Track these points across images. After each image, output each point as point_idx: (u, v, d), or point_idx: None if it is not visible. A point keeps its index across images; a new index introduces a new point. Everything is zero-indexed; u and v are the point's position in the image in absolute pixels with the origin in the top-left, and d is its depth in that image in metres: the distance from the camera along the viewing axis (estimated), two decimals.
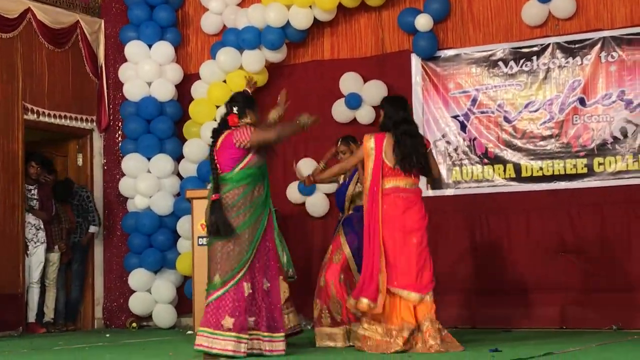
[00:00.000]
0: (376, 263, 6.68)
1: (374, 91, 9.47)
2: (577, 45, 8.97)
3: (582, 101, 8.92)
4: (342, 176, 7.79)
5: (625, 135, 8.73)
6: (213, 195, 6.46)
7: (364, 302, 6.66)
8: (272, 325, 6.46)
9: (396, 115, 6.90)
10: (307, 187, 9.01)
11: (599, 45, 8.87)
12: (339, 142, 7.73)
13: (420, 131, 9.17)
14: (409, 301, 6.67)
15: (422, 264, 6.75)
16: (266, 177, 6.64)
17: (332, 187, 9.45)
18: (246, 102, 6.67)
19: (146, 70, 10.25)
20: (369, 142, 6.87)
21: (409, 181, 6.84)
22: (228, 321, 6.26)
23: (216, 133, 6.64)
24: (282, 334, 6.51)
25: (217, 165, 6.51)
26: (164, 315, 10.05)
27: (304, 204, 9.76)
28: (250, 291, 6.38)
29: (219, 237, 6.38)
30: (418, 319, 6.66)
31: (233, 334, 6.26)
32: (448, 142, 9.42)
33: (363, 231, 6.86)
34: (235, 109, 6.61)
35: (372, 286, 6.67)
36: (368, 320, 6.77)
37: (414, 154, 6.80)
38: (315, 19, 9.78)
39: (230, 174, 6.45)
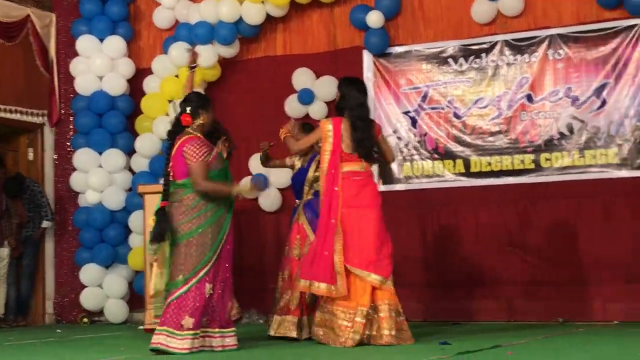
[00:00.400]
0: (329, 243, 6.66)
1: (327, 87, 9.47)
2: (525, 43, 9.03)
3: (529, 98, 8.99)
4: (300, 161, 7.80)
5: (571, 132, 8.82)
6: (162, 202, 6.41)
7: (322, 286, 6.63)
8: (223, 321, 6.43)
9: (352, 98, 6.90)
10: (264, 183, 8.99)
11: (546, 43, 8.94)
12: (295, 125, 7.65)
13: None
14: (366, 282, 6.66)
15: (382, 242, 6.77)
16: (228, 179, 6.60)
17: (285, 181, 9.47)
18: (200, 102, 6.59)
19: (98, 64, 10.16)
20: (327, 125, 6.87)
21: (363, 165, 6.88)
22: (188, 321, 6.24)
23: (172, 135, 6.55)
24: (233, 329, 6.48)
25: (171, 171, 6.45)
26: (116, 310, 9.98)
27: (256, 199, 9.70)
28: (211, 292, 6.36)
29: (158, 243, 6.34)
30: (376, 302, 6.67)
31: (191, 332, 6.23)
32: (399, 138, 9.44)
33: None
34: (188, 109, 6.54)
35: (326, 269, 6.64)
36: (324, 307, 6.75)
37: (367, 140, 6.82)
38: (267, 14, 9.76)
39: (187, 180, 6.41)
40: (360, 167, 6.87)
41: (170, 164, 6.46)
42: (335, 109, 7.04)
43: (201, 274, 6.31)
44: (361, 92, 6.99)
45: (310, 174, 7.60)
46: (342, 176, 6.82)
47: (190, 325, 6.23)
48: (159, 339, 6.25)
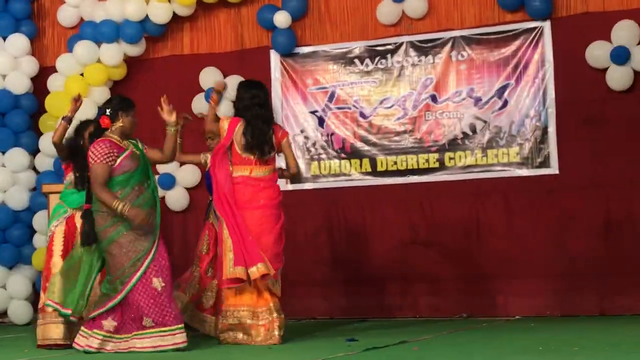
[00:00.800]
0: (246, 230, 6.63)
1: (234, 86, 9.29)
2: (429, 45, 9.09)
3: (434, 98, 9.05)
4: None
5: (474, 131, 8.92)
6: (85, 205, 6.37)
7: (261, 266, 6.57)
8: (165, 320, 6.33)
9: (247, 98, 6.86)
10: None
11: (449, 45, 9.01)
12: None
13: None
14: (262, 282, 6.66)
15: (279, 244, 6.77)
16: (150, 177, 6.49)
17: (193, 180, 9.38)
18: (121, 105, 6.48)
19: (0, 62, 9.90)
20: (224, 122, 6.84)
21: (261, 170, 6.80)
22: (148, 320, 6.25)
23: (92, 138, 6.47)
24: (179, 325, 6.37)
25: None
26: (20, 311, 9.73)
27: (163, 198, 9.57)
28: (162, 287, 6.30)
29: (88, 246, 6.36)
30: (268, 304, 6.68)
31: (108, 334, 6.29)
32: (306, 137, 9.42)
33: None
34: (108, 111, 6.44)
35: (255, 250, 6.60)
36: (231, 308, 6.68)
37: (262, 137, 6.77)
38: (174, 13, 9.64)
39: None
40: (260, 172, 6.80)
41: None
42: (235, 111, 6.97)
43: (139, 272, 6.24)
44: (259, 92, 6.94)
45: None
46: (235, 180, 6.76)
47: (111, 328, 6.27)
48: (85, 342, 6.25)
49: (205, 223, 7.66)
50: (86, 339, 6.34)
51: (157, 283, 6.28)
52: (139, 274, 6.25)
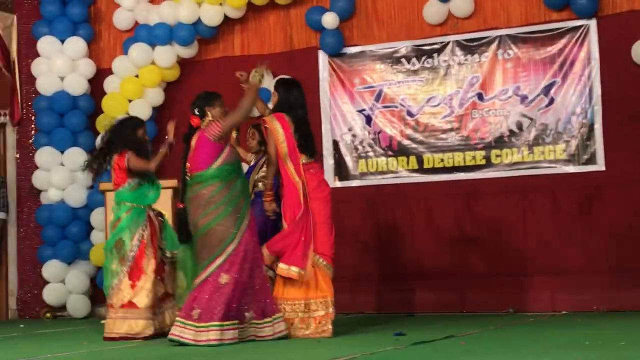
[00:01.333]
0: (308, 230, 6.66)
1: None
2: (475, 43, 9.05)
3: (480, 96, 9.01)
4: (253, 158, 7.86)
5: (520, 129, 8.86)
6: (180, 204, 6.51)
7: (294, 270, 6.60)
8: (265, 311, 6.44)
9: (296, 97, 6.92)
10: None
11: (495, 43, 8.96)
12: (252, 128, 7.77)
13: (328, 125, 9.46)
14: (324, 272, 6.69)
15: (333, 236, 6.83)
16: (240, 175, 6.64)
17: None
18: (204, 100, 6.61)
19: (59, 65, 10.03)
20: (275, 123, 6.80)
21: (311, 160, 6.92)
22: (196, 312, 6.30)
23: (187, 138, 6.58)
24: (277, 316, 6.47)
25: (188, 168, 6.47)
26: (78, 305, 9.86)
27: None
28: (228, 282, 6.33)
29: (183, 243, 6.59)
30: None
31: (215, 323, 6.23)
32: (354, 136, 9.42)
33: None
34: (195, 111, 6.57)
35: (301, 254, 6.63)
36: (285, 302, 6.70)
37: (311, 140, 6.88)
38: (225, 15, 9.70)
39: (206, 172, 6.43)
40: (307, 159, 6.86)
41: (188, 162, 6.48)
42: (275, 109, 6.92)
43: (216, 263, 6.33)
44: (301, 93, 6.98)
45: (253, 175, 7.60)
46: (304, 167, 6.81)
47: (196, 317, 6.25)
48: (176, 331, 6.31)
49: None
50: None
51: (225, 278, 6.34)
52: (212, 267, 6.35)
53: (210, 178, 6.43)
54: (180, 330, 6.28)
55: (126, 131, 7.30)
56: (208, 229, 6.39)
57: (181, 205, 6.52)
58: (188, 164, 6.53)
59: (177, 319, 6.39)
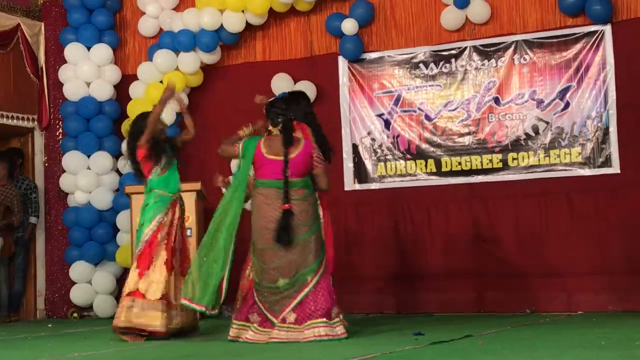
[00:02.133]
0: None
1: (304, 91, 9.37)
2: (492, 49, 9.04)
3: (497, 100, 8.99)
4: None
5: (536, 132, 8.83)
6: (285, 205, 6.33)
7: None
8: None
9: (306, 106, 6.97)
10: None
11: (512, 49, 8.94)
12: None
13: (347, 129, 9.45)
14: None
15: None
16: None
17: None
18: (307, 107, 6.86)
19: (85, 71, 10.08)
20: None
21: None
22: (335, 310, 6.35)
23: (289, 142, 6.43)
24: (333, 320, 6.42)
25: (289, 172, 6.37)
26: (105, 305, 9.89)
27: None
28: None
29: (281, 244, 6.34)
30: None
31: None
32: (373, 139, 9.42)
33: None
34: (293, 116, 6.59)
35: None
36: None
37: (326, 145, 6.91)
38: (247, 22, 9.72)
39: (308, 178, 6.48)
40: None
41: (289, 166, 6.37)
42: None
43: (324, 266, 6.40)
44: (309, 102, 7.08)
45: None
46: None
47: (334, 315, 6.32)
48: (319, 332, 6.24)
49: None
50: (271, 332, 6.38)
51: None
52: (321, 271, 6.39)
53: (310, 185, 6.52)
54: (328, 330, 6.26)
55: (139, 123, 7.30)
56: (313, 233, 6.40)
57: (287, 207, 6.36)
58: (290, 167, 6.40)
59: (315, 321, 6.28)
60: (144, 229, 7.04)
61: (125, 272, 9.71)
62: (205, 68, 10.00)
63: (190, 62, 9.78)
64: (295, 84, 9.58)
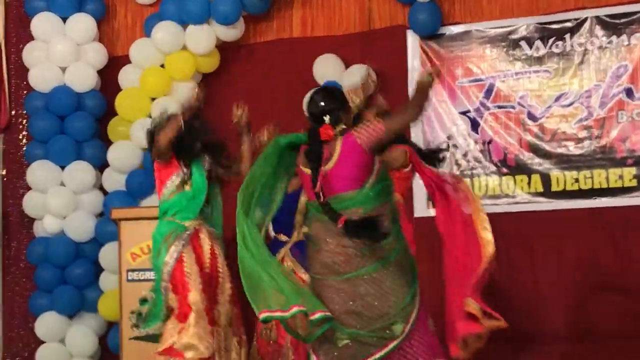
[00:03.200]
0: None
1: (358, 79, 9.20)
2: (623, 20, 8.99)
3: (629, 93, 8.96)
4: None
5: None
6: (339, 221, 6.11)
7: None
8: None
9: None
10: None
11: None
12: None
13: (420, 132, 9.40)
14: None
15: None
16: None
17: None
18: (342, 102, 6.40)
19: (59, 51, 10.09)
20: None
21: None
22: None
23: (315, 155, 6.20)
24: None
25: (322, 193, 6.12)
26: None
27: None
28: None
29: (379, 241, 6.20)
30: None
31: None
32: (455, 146, 9.42)
33: None
34: (327, 119, 6.25)
35: None
36: None
37: None
38: None
39: (359, 192, 6.19)
40: None
41: (322, 184, 6.15)
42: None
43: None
44: None
45: (303, 202, 7.62)
46: None
47: None
48: None
49: None
50: None
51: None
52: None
53: (373, 199, 6.21)
54: None
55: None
56: (398, 255, 6.23)
57: (342, 221, 6.10)
58: (322, 185, 6.17)
59: None
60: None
61: (111, 328, 9.74)
62: (222, 47, 10.01)
63: (203, 38, 9.78)
64: (346, 68, 9.58)
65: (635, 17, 8.93)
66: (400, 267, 6.25)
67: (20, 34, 10.37)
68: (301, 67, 9.68)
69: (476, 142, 9.35)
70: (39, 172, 10.02)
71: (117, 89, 10.05)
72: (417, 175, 7.09)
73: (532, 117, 9.20)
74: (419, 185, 9.16)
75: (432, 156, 6.93)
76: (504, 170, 9.25)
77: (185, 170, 7.26)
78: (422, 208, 9.36)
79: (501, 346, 8.87)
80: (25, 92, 10.32)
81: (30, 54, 10.21)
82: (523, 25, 9.27)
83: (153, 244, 7.25)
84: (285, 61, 9.90)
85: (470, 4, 9.46)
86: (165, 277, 7.05)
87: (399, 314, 6.13)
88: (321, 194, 6.04)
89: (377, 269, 6.15)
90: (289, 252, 7.67)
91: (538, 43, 9.21)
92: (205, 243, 7.24)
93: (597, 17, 9.04)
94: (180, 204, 7.23)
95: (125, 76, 10.06)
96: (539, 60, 9.21)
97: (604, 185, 8.95)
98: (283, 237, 7.81)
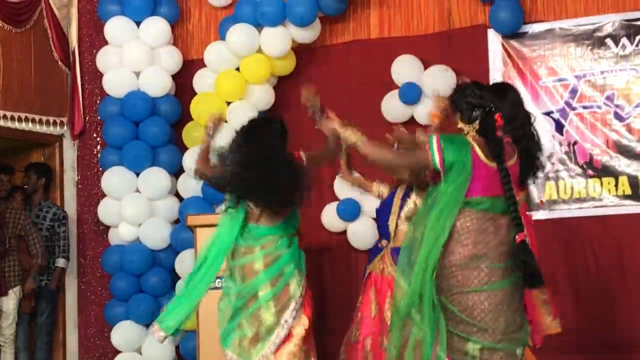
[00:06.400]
0: None
1: (438, 80, 9.33)
2: None
3: None
4: (387, 189, 8.05)
5: None
6: (519, 235, 5.83)
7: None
8: None
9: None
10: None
11: None
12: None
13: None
14: None
15: None
16: None
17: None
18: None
19: (133, 55, 10.19)
20: None
21: None
22: None
23: (499, 148, 5.84)
24: None
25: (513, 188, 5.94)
26: None
27: (345, 232, 9.68)
28: None
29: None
30: None
31: None
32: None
33: None
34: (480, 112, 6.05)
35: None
36: None
37: None
38: None
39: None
40: None
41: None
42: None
43: None
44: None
45: (410, 206, 7.71)
46: None
47: None
48: None
49: (373, 277, 7.85)
50: None
51: None
52: None
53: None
54: None
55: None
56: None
57: (521, 237, 5.78)
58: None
59: None
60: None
61: (187, 336, 9.75)
62: (298, 49, 10.04)
63: (278, 40, 9.82)
64: (425, 69, 9.57)
65: None
66: None
67: (93, 39, 10.50)
68: (379, 68, 9.69)
69: (561, 144, 9.31)
70: (114, 178, 10.11)
71: (192, 93, 10.12)
72: None
73: (618, 117, 9.15)
74: None
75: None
76: (590, 172, 9.21)
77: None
78: None
79: (590, 356, 8.90)
80: (99, 97, 10.43)
81: (104, 59, 10.32)
82: (609, 23, 9.21)
83: None
84: (363, 63, 9.90)
85: (554, 1, 9.44)
86: None
87: None
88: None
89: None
90: (391, 259, 7.67)
91: (624, 40, 9.17)
92: None
93: None
94: None
95: (200, 80, 10.13)
96: (626, 58, 9.15)
97: None
98: (384, 242, 7.88)
